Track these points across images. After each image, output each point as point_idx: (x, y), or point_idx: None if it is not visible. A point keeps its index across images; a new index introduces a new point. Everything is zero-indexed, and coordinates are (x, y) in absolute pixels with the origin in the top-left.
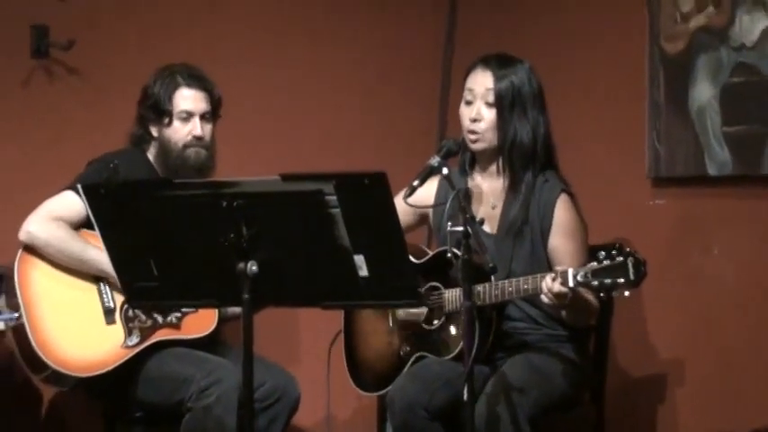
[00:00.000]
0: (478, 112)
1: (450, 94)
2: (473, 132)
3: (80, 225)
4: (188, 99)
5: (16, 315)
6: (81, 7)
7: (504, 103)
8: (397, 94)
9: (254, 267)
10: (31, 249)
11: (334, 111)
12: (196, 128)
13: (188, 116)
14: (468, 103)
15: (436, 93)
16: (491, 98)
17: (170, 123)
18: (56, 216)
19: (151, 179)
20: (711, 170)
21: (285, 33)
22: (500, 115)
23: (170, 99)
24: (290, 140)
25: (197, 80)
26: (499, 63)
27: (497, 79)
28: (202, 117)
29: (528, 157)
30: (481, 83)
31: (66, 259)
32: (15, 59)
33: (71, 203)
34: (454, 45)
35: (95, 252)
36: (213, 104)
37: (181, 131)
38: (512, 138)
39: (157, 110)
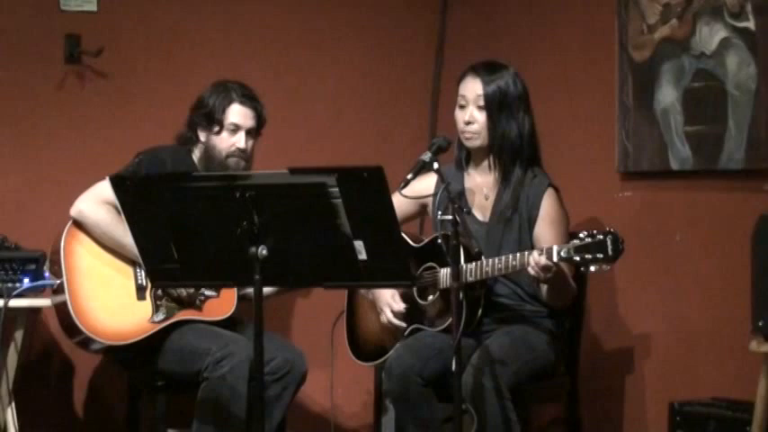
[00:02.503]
0: (471, 116)
1: (441, 96)
2: (467, 133)
3: None
4: (239, 114)
5: (57, 281)
6: (109, 19)
7: (493, 107)
8: (393, 96)
9: (265, 251)
10: (79, 225)
11: (337, 112)
12: (240, 141)
13: (236, 129)
14: (462, 107)
15: (428, 95)
16: (482, 102)
17: (219, 132)
18: (105, 199)
19: (172, 172)
20: (674, 165)
21: (294, 45)
22: (490, 117)
23: (223, 111)
24: (297, 138)
25: (250, 99)
26: (487, 70)
27: (486, 85)
28: (248, 132)
29: (515, 152)
30: (472, 89)
31: (107, 240)
32: (51, 65)
33: None
34: (444, 54)
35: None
36: (259, 123)
37: (227, 141)
38: (501, 136)
39: (210, 118)
